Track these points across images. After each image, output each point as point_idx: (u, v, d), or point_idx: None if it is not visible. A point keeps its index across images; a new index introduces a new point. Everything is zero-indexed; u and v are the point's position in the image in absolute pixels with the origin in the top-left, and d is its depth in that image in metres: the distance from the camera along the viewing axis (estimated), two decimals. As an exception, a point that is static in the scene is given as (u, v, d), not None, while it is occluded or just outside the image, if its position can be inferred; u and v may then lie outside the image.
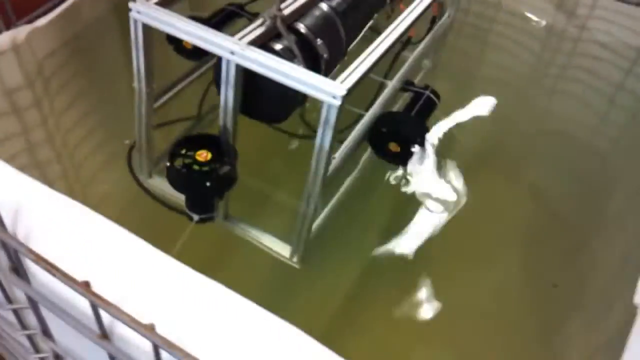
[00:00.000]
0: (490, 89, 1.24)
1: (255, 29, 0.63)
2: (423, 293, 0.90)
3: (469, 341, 0.85)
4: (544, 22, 1.16)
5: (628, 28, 1.06)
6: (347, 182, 0.85)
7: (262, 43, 0.63)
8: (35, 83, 0.71)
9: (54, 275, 0.37)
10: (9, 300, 0.52)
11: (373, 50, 0.64)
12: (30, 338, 0.56)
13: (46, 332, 0.52)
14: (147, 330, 0.35)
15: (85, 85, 0.80)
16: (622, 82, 1.12)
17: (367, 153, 0.87)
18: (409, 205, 1.02)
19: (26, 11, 0.71)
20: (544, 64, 1.20)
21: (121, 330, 0.40)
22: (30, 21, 0.71)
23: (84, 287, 0.37)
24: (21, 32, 0.69)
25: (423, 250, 0.95)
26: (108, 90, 0.83)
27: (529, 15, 1.15)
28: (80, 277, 0.37)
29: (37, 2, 0.73)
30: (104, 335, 0.40)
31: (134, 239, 0.45)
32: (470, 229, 0.98)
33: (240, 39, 0.60)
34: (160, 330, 0.34)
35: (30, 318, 0.51)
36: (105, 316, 0.39)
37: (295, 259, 0.75)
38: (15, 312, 0.52)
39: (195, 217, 0.68)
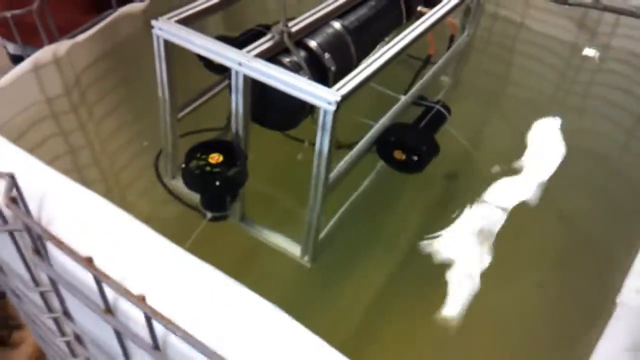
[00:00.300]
0: (514, 108, 1.27)
1: (264, 44, 0.69)
2: (443, 307, 0.92)
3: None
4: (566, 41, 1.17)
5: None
6: (362, 188, 0.89)
7: (271, 56, 0.70)
8: (73, 93, 0.80)
9: (61, 250, 0.43)
10: (36, 283, 0.59)
11: (372, 62, 0.69)
12: (55, 321, 0.63)
13: (67, 314, 0.58)
14: (138, 300, 0.40)
15: (121, 95, 0.89)
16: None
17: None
18: (434, 217, 1.05)
19: (69, 30, 0.81)
20: (568, 83, 1.21)
21: (124, 306, 0.45)
22: (72, 37, 0.80)
23: (87, 262, 0.43)
24: (62, 46, 0.78)
25: (446, 264, 0.98)
26: (141, 100, 0.91)
27: (552, 33, 1.17)
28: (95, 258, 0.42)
29: (79, 22, 0.82)
30: (108, 309, 0.46)
31: (145, 228, 0.51)
32: (496, 248, 1.00)
33: (248, 52, 0.67)
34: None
35: (55, 302, 0.58)
36: (109, 292, 0.44)
37: (306, 259, 0.79)
38: (42, 295, 0.59)
39: (209, 214, 0.74)
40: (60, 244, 0.42)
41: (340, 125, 0.91)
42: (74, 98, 0.81)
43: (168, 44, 0.70)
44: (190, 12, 0.73)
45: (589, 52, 1.15)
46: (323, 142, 0.65)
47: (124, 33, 0.86)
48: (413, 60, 1.03)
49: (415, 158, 0.80)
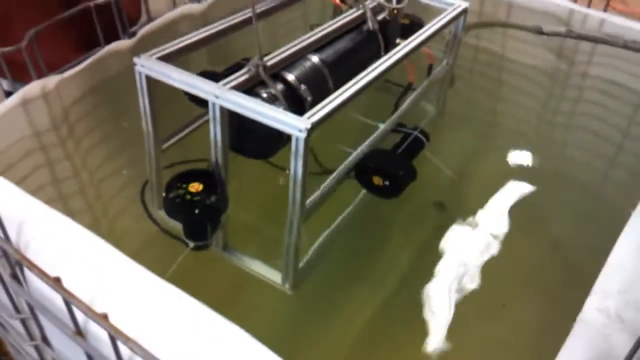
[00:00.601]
0: (498, 137, 1.30)
1: (240, 76, 0.72)
2: (433, 335, 0.93)
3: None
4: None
5: (628, 72, 1.09)
6: (344, 214, 0.91)
7: (248, 88, 0.73)
8: (61, 126, 0.83)
9: (32, 271, 0.45)
10: (17, 311, 0.61)
11: (343, 91, 0.72)
12: (36, 349, 0.65)
13: (45, 340, 0.60)
14: (101, 318, 0.42)
15: (109, 128, 0.92)
16: (627, 128, 1.14)
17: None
18: (422, 246, 1.07)
19: (58, 67, 0.85)
20: (550, 111, 1.24)
21: (94, 328, 0.47)
22: (60, 72, 0.84)
23: (56, 282, 0.45)
24: (50, 81, 0.81)
25: (434, 293, 0.99)
26: (128, 133, 0.94)
27: (532, 63, 1.21)
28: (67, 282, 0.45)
29: (68, 60, 0.87)
30: (79, 332, 0.48)
31: (118, 254, 0.53)
32: (487, 277, 1.01)
33: (225, 84, 0.70)
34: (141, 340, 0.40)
35: (35, 329, 0.60)
36: (79, 315, 0.46)
37: (287, 285, 0.81)
38: (23, 322, 0.61)
39: (191, 244, 0.76)
40: (31, 265, 0.45)
41: (325, 154, 0.95)
42: (62, 131, 0.84)
43: (150, 79, 0.74)
44: (172, 49, 0.77)
45: (568, 80, 1.18)
46: (297, 167, 0.67)
47: (112, 69, 0.90)
48: (396, 87, 1.06)
49: (392, 183, 0.82)
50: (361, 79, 0.76)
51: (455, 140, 1.28)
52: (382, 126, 0.93)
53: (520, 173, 1.18)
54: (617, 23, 1.04)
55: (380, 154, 0.88)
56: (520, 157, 1.21)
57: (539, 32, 1.08)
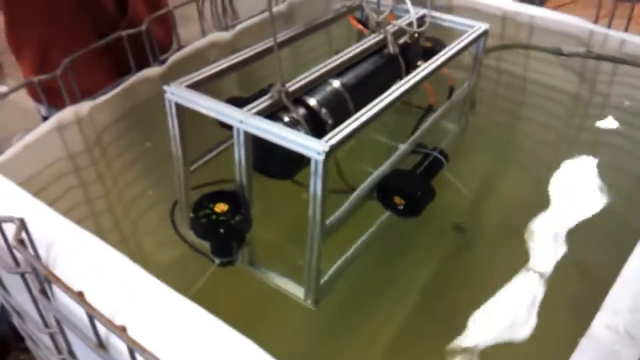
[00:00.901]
0: (522, 159, 1.30)
1: (264, 102, 0.76)
2: (454, 353, 0.94)
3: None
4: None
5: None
6: (367, 234, 0.94)
7: (271, 113, 0.77)
8: (94, 149, 0.88)
9: (58, 286, 0.48)
10: (46, 325, 0.65)
11: (362, 115, 0.75)
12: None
13: (72, 353, 0.64)
14: (120, 331, 0.45)
15: (140, 151, 0.97)
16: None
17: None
18: (443, 268, 1.08)
19: (92, 93, 0.90)
20: (573, 133, 1.24)
21: (115, 341, 0.50)
22: (93, 98, 0.89)
23: (79, 296, 0.48)
24: (84, 107, 0.87)
25: (460, 313, 1.00)
26: (159, 156, 0.99)
27: (554, 84, 1.22)
28: (94, 300, 0.48)
29: (101, 86, 0.92)
30: (101, 344, 0.51)
31: (142, 271, 0.57)
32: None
33: (249, 110, 0.74)
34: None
35: (62, 344, 0.63)
36: (102, 330, 0.49)
37: (309, 301, 0.84)
38: (51, 336, 0.65)
39: (217, 260, 0.79)
40: (57, 281, 0.48)
41: (348, 173, 0.98)
42: (94, 154, 0.89)
43: (179, 106, 0.78)
44: (200, 77, 0.81)
45: (591, 100, 1.19)
46: (316, 188, 0.70)
47: (142, 95, 0.95)
48: (416, 109, 1.09)
49: (412, 203, 0.85)
50: (380, 101, 0.79)
51: (476, 162, 1.29)
52: (402, 147, 0.96)
53: (542, 194, 1.19)
54: (638, 44, 1.05)
55: (400, 174, 0.90)
56: (541, 178, 1.22)
57: (559, 53, 1.09)
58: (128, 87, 0.93)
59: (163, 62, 1.00)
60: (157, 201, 1.01)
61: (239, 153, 0.76)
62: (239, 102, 0.78)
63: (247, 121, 0.72)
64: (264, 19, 1.15)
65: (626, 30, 1.08)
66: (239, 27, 1.12)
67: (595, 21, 1.10)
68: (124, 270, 0.57)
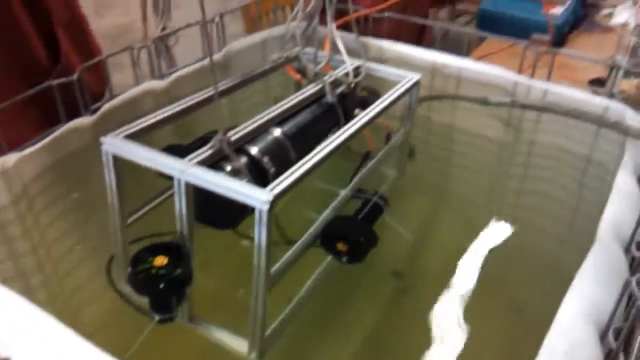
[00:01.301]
0: (456, 204, 1.35)
1: (205, 152, 0.75)
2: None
3: None
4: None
5: (571, 137, 1.16)
6: (309, 282, 0.93)
7: (212, 163, 0.76)
8: (20, 202, 0.83)
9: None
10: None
11: (304, 163, 0.75)
12: None
13: None
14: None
15: (69, 203, 0.93)
16: (579, 191, 1.21)
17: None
18: (385, 313, 1.09)
19: (19, 144, 0.86)
20: (503, 179, 1.30)
21: None
22: (20, 150, 0.85)
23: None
24: (10, 159, 0.83)
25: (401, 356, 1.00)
26: (90, 208, 0.95)
27: (482, 132, 1.27)
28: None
29: (29, 137, 0.88)
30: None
31: (74, 335, 0.54)
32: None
33: (190, 160, 0.72)
34: None
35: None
36: None
37: (253, 355, 0.81)
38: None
39: (156, 317, 0.76)
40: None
41: (290, 221, 0.97)
42: (21, 208, 0.84)
43: (116, 158, 0.76)
44: (138, 127, 0.79)
45: (517, 147, 1.25)
46: (261, 237, 0.69)
47: (72, 145, 0.92)
48: (356, 155, 1.11)
49: (355, 249, 0.85)
50: (321, 150, 0.80)
51: (414, 206, 1.33)
52: (343, 193, 0.97)
53: (478, 237, 1.23)
54: (559, 92, 1.12)
55: (343, 220, 0.91)
56: (475, 222, 1.26)
57: (486, 103, 1.15)
58: (57, 137, 0.89)
59: (95, 111, 0.97)
60: (90, 256, 0.96)
61: (180, 204, 0.74)
62: (178, 151, 0.76)
63: (189, 171, 0.70)
64: (200, 67, 1.15)
65: (548, 79, 1.15)
66: (174, 76, 1.11)
67: (519, 72, 1.17)
68: (53, 332, 0.54)
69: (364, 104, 1.00)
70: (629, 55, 1.61)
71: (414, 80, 1.06)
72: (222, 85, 0.93)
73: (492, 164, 1.30)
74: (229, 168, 0.76)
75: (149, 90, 1.06)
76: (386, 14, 1.31)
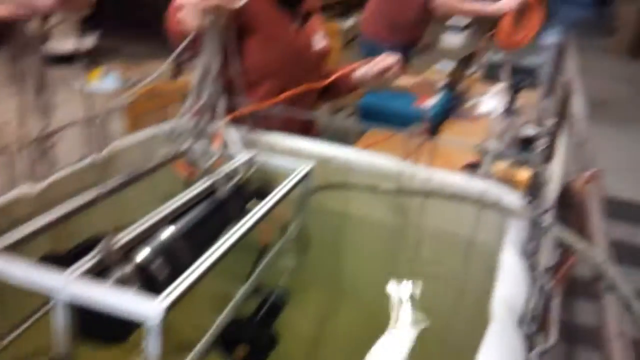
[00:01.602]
0: (352, 292, 1.35)
1: (89, 261, 0.70)
2: None
3: None
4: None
5: (454, 220, 1.22)
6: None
7: (97, 272, 0.70)
8: None
9: None
10: None
11: (199, 266, 0.72)
12: None
13: None
14: None
15: None
16: (464, 272, 1.26)
17: None
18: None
19: None
20: (394, 263, 1.33)
21: None
22: None
23: None
24: None
25: None
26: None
27: (374, 218, 1.31)
28: None
29: None
30: None
31: None
32: None
33: (71, 273, 0.66)
34: None
35: None
36: None
37: None
38: None
39: None
40: None
41: (185, 326, 0.91)
42: None
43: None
44: (13, 239, 0.73)
45: (407, 232, 1.29)
46: (152, 350, 0.64)
47: None
48: (253, 248, 1.08)
49: (255, 352, 0.81)
50: (216, 250, 0.77)
51: (314, 298, 1.31)
52: (240, 291, 0.93)
53: (375, 323, 1.22)
54: (441, 177, 1.19)
55: (241, 323, 0.87)
56: (374, 310, 1.26)
57: (375, 190, 1.19)
58: None
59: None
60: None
61: (59, 322, 0.66)
62: (58, 260, 0.70)
63: (69, 289, 0.64)
64: (81, 168, 1.10)
65: (429, 166, 1.22)
66: (52, 178, 1.05)
67: (404, 159, 1.23)
68: None
69: (260, 195, 1.00)
70: (498, 140, 1.76)
71: (306, 170, 1.08)
72: (107, 186, 0.89)
73: (385, 249, 1.33)
74: (116, 276, 0.71)
75: (23, 195, 0.98)
76: (275, 109, 1.34)
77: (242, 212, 0.98)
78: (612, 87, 5.98)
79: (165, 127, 1.30)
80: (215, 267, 0.74)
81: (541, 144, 2.14)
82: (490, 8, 2.40)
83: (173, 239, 0.82)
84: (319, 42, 1.71)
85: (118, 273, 0.71)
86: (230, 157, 1.06)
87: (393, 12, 2.57)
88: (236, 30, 1.46)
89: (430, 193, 1.18)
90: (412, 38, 2.53)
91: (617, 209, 3.08)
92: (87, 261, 0.70)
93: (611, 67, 6.94)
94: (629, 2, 7.77)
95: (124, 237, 0.76)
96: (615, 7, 8.81)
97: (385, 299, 1.29)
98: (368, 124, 1.94)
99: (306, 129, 1.74)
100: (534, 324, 0.77)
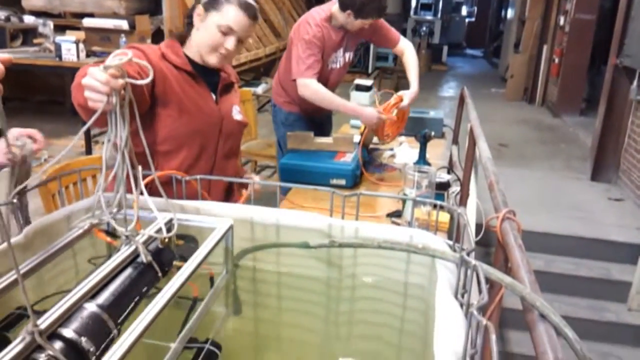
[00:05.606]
0: (287, 349, 1.33)
1: (15, 347, 0.65)
2: None
3: None
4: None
5: (387, 267, 1.25)
6: None
7: (25, 356, 0.66)
8: None
9: None
10: None
11: (127, 338, 0.70)
12: None
13: None
14: None
15: None
16: (402, 314, 1.27)
17: None
18: None
19: None
20: (333, 315, 1.33)
21: None
22: None
23: None
24: None
25: None
26: None
27: (309, 274, 1.30)
28: None
29: None
30: None
31: None
32: None
33: (-1, 360, 0.62)
34: None
35: None
36: None
37: None
38: None
39: None
40: None
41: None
42: None
43: None
44: None
45: (341, 283, 1.30)
46: None
47: None
48: (184, 301, 1.07)
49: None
50: (143, 318, 0.75)
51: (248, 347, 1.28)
52: (173, 346, 0.91)
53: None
54: (369, 227, 1.21)
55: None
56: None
57: (307, 246, 1.19)
58: None
59: None
60: None
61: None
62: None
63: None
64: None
65: (357, 219, 1.24)
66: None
67: (330, 215, 1.25)
68: None
69: (184, 253, 1.02)
70: (415, 188, 1.82)
71: (227, 226, 1.10)
72: (25, 266, 0.84)
73: (321, 303, 1.32)
74: (44, 358, 0.67)
75: None
76: (198, 176, 1.33)
77: (165, 273, 0.98)
78: (511, 130, 6.43)
79: (83, 203, 1.26)
80: (144, 334, 0.72)
81: (455, 189, 2.25)
82: (353, 110, 2.53)
83: (97, 314, 0.79)
84: (237, 114, 1.75)
85: (46, 354, 0.67)
86: (149, 222, 1.04)
87: (288, 86, 2.67)
88: (148, 103, 1.47)
89: (361, 244, 1.20)
90: (311, 108, 2.61)
91: (534, 242, 3.25)
92: (16, 345, 0.65)
93: (509, 112, 7.48)
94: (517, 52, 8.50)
95: (48, 318, 0.72)
96: (505, 57, 9.59)
97: (324, 353, 1.28)
98: (290, 183, 1.96)
99: (227, 196, 1.75)
100: (476, 360, 0.79)
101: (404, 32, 10.38)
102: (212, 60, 1.61)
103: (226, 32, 1.56)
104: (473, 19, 16.23)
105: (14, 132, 1.18)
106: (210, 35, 1.57)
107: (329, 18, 2.53)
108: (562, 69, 6.87)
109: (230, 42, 1.57)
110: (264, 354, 1.33)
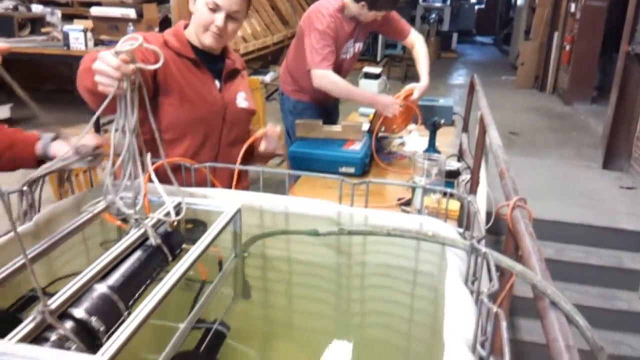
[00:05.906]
0: (297, 335, 1.33)
1: (26, 326, 0.66)
2: None
3: None
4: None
5: (395, 254, 1.24)
6: None
7: (37, 335, 0.66)
8: None
9: None
10: None
11: (137, 316, 0.70)
12: None
13: None
14: None
15: None
16: (415, 302, 1.27)
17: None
18: None
19: None
20: (344, 302, 1.33)
21: None
22: None
23: None
24: None
25: None
26: None
27: (318, 261, 1.31)
28: None
29: None
30: None
31: None
32: None
33: (10, 339, 0.63)
34: None
35: None
36: None
37: None
38: None
39: None
40: None
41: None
42: None
43: None
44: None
45: (351, 271, 1.30)
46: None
47: None
48: (193, 284, 1.08)
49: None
50: (153, 297, 0.76)
51: (258, 331, 1.29)
52: (182, 327, 0.92)
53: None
54: (378, 215, 1.21)
55: (184, 357, 0.85)
56: (324, 349, 1.24)
57: (316, 234, 1.19)
58: None
59: None
60: None
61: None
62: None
63: (9, 356, 0.60)
64: (6, 241, 1.04)
65: (366, 206, 1.24)
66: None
67: (340, 202, 1.25)
68: None
69: (193, 235, 1.02)
70: (425, 176, 1.81)
71: (235, 210, 1.10)
72: (35, 250, 0.85)
73: (331, 290, 1.32)
74: (54, 337, 0.68)
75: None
76: (207, 164, 1.33)
77: (174, 256, 0.98)
78: (522, 118, 6.39)
79: (92, 189, 1.26)
80: (153, 313, 0.73)
81: (465, 177, 2.24)
82: (370, 98, 2.52)
83: (107, 294, 0.80)
84: (242, 102, 1.74)
85: (57, 333, 0.68)
86: (158, 206, 1.05)
87: (297, 74, 2.66)
88: (151, 90, 1.47)
89: (370, 232, 1.19)
90: (320, 97, 2.60)
91: (545, 230, 3.24)
92: (26, 325, 0.66)
93: (520, 100, 7.43)
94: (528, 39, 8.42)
95: (59, 298, 0.73)
96: (516, 44, 9.51)
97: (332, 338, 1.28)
98: (300, 171, 1.96)
99: (236, 182, 1.75)
100: (486, 348, 0.78)
101: (412, 19, 10.36)
102: (207, 40, 1.61)
103: (214, 8, 1.56)
104: (483, 6, 16.08)
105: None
106: (200, 14, 1.58)
107: (342, 8, 2.51)
108: (573, 56, 6.81)
109: (219, 19, 1.57)
110: (273, 340, 1.33)
